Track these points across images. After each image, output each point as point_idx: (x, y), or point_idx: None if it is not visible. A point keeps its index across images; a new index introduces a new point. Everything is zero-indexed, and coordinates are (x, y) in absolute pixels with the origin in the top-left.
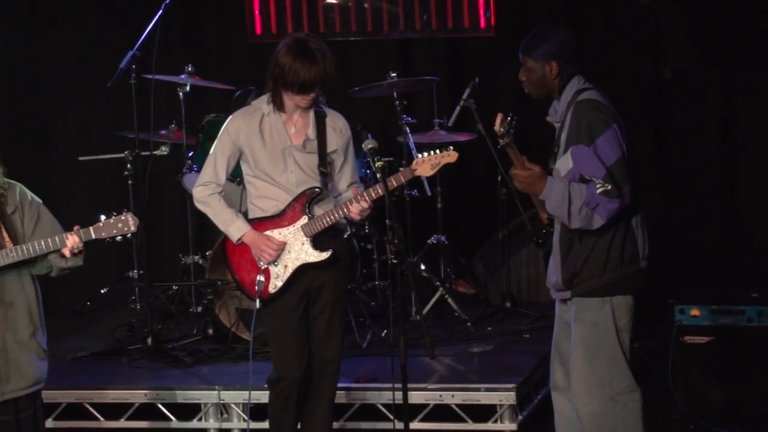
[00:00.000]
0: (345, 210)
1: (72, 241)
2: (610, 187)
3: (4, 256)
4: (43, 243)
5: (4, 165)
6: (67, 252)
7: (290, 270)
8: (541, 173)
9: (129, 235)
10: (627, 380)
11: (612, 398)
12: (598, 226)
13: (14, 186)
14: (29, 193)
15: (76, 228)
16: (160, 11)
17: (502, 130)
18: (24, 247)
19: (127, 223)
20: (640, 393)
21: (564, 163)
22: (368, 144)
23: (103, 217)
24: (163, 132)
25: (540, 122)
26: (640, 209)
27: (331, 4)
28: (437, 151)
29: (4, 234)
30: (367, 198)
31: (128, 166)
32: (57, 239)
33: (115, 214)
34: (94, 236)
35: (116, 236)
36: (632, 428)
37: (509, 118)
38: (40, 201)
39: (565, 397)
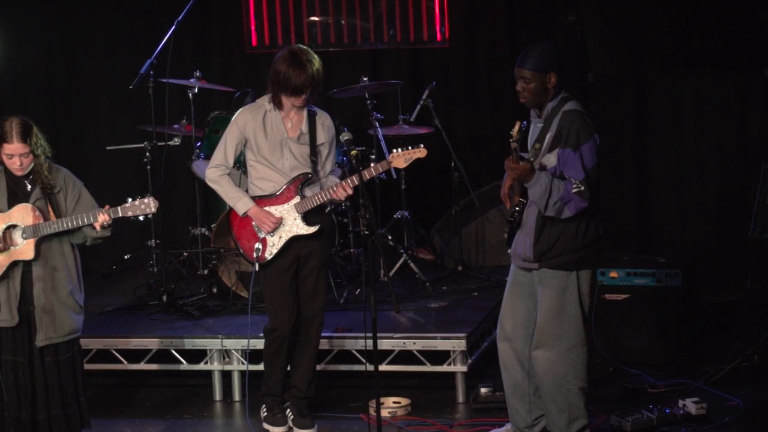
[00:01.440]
0: (331, 193)
1: (103, 217)
2: (583, 189)
3: (48, 226)
4: (79, 217)
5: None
6: (98, 226)
7: (284, 240)
8: (531, 168)
9: (150, 215)
10: (581, 336)
11: (568, 349)
12: (566, 217)
13: (60, 170)
14: (72, 177)
15: (106, 207)
16: (173, 27)
17: (518, 136)
18: (64, 220)
19: (149, 205)
20: (587, 347)
21: (549, 161)
22: (345, 136)
23: (129, 199)
24: (175, 126)
25: (486, 113)
26: (600, 204)
27: (314, 21)
28: (410, 147)
29: (50, 209)
30: (350, 184)
31: (147, 154)
32: (91, 215)
33: (140, 197)
34: (121, 214)
35: (139, 215)
36: (579, 374)
37: (522, 126)
38: (82, 183)
39: (510, 346)
